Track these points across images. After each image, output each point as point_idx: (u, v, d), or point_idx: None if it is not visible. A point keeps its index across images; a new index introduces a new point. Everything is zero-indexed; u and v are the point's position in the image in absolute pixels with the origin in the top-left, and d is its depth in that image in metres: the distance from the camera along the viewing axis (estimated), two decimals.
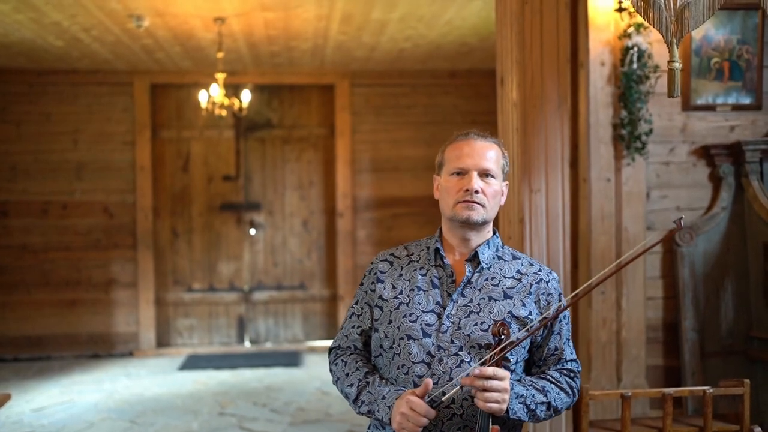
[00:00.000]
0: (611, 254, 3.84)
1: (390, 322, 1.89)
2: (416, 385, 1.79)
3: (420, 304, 1.88)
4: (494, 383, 1.69)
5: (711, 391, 2.65)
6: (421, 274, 1.92)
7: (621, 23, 3.74)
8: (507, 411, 1.75)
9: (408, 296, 1.90)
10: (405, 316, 1.87)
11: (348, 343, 2.01)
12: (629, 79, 3.72)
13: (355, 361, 1.96)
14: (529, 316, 1.87)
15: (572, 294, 1.80)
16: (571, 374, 1.95)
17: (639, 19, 3.51)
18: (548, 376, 1.91)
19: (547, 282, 1.93)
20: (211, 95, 6.45)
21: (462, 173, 1.89)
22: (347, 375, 1.94)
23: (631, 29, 3.70)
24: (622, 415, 2.58)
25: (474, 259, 1.92)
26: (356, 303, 2.03)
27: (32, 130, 7.60)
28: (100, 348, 7.69)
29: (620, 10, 3.71)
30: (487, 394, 1.68)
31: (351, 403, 1.93)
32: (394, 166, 8.03)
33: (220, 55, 6.28)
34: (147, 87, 7.72)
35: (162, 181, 7.91)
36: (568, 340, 1.97)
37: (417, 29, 6.14)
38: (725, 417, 2.94)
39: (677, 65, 1.67)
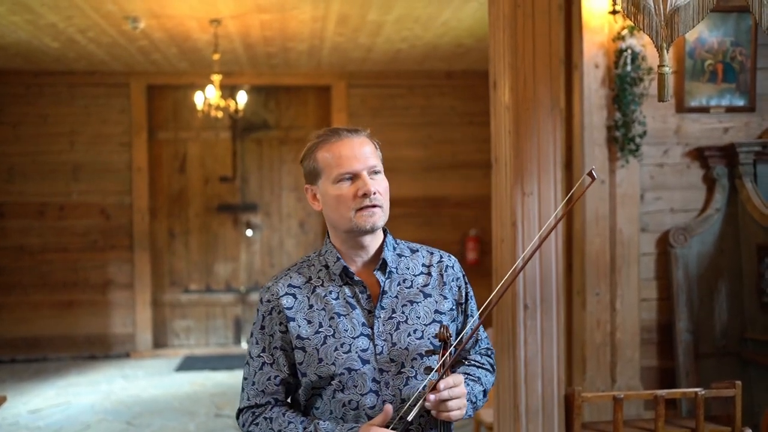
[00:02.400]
0: (605, 256, 3.85)
1: (321, 360, 1.68)
2: (369, 417, 1.65)
3: (347, 331, 1.69)
4: (456, 390, 1.58)
5: (703, 392, 2.66)
6: (333, 299, 1.72)
7: (615, 26, 3.76)
8: None
9: (330, 327, 1.70)
10: (336, 349, 1.68)
11: (266, 398, 1.73)
12: (623, 81, 3.73)
13: (283, 414, 1.70)
14: (453, 309, 1.78)
15: (497, 289, 1.75)
16: (489, 352, 1.89)
17: None
18: (474, 362, 1.84)
19: (452, 266, 1.82)
20: (208, 96, 6.45)
21: (353, 178, 1.73)
22: (281, 431, 1.69)
23: (625, 32, 3.71)
24: (614, 417, 2.59)
25: (382, 266, 1.76)
26: (263, 351, 1.74)
27: (29, 131, 7.60)
28: (97, 349, 7.69)
29: (614, 12, 3.72)
30: (451, 403, 1.57)
31: None
32: (390, 167, 7.87)
33: (216, 56, 6.28)
34: (143, 88, 7.72)
35: (159, 183, 7.91)
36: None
37: (413, 30, 6.15)
38: (718, 418, 2.95)
39: (667, 70, 1.67)
